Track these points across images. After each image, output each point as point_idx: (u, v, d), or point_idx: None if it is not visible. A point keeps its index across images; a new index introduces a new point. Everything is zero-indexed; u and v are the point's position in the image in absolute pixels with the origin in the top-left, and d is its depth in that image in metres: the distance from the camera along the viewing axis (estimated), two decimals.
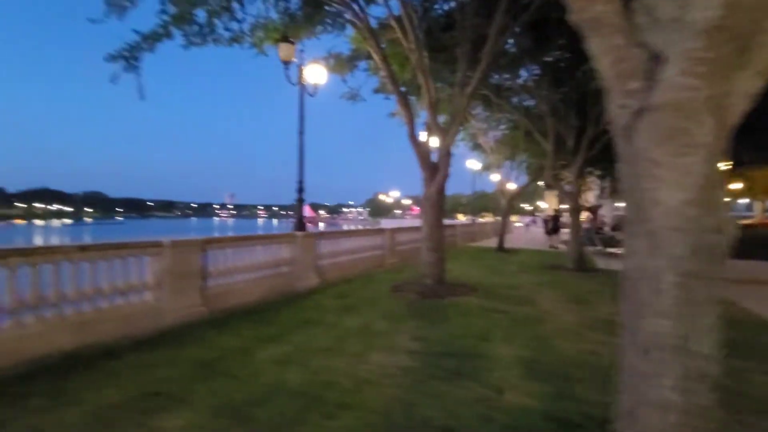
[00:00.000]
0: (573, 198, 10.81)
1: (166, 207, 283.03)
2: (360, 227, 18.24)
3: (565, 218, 18.45)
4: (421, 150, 7.36)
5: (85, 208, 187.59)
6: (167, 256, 5.22)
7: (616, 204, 26.26)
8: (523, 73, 11.25)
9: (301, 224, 8.13)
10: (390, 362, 3.79)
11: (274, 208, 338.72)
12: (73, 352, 4.00)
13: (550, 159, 10.81)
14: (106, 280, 4.65)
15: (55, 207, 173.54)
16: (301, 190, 8.34)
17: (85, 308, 4.46)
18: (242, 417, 2.74)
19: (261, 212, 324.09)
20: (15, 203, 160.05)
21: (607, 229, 21.15)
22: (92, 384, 3.23)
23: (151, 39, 5.69)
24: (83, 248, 4.43)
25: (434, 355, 3.98)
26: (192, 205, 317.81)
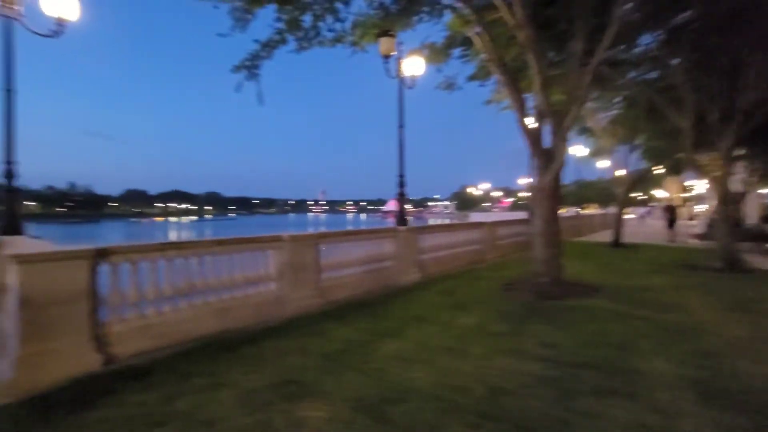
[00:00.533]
0: (720, 184, 8.99)
1: (268, 204, 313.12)
2: (449, 221, 17.80)
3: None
4: (533, 135, 6.73)
5: (206, 207, 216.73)
6: (287, 249, 5.55)
7: (761, 191, 21.52)
8: (644, 42, 9.67)
9: (402, 219, 8.08)
10: (521, 369, 3.46)
11: (362, 203, 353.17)
12: (217, 335, 4.44)
13: (689, 137, 9.10)
14: (240, 271, 5.11)
15: (183, 206, 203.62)
16: (402, 184, 8.29)
17: (224, 296, 4.96)
18: (380, 415, 2.69)
19: (350, 207, 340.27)
20: (155, 203, 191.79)
21: (749, 221, 17.52)
22: (238, 368, 3.51)
23: (269, 46, 6.10)
24: (220, 242, 4.90)
25: (571, 366, 3.53)
26: (290, 201, 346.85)
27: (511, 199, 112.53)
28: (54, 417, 2.70)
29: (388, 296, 6.31)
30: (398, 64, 8.39)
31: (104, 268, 3.85)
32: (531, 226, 6.81)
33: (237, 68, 6.23)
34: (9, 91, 5.43)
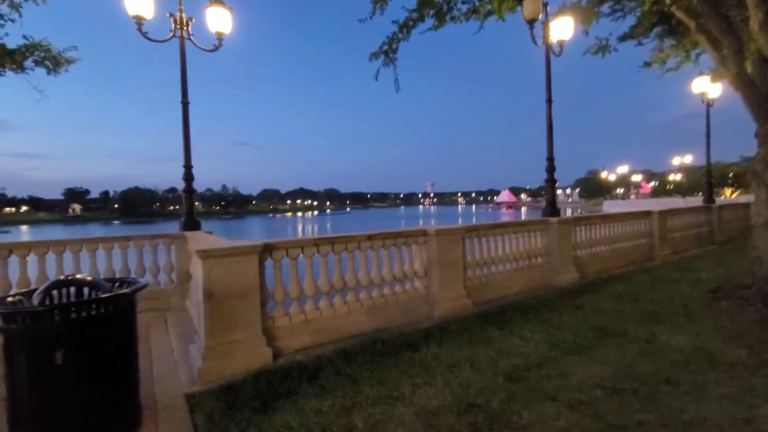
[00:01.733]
0: None
1: (380, 198, 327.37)
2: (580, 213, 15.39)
3: None
4: (757, 92, 4.93)
5: (327, 202, 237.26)
6: (433, 244, 5.08)
7: None
8: None
9: (554, 209, 6.95)
10: None
11: (472, 194, 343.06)
12: (370, 334, 4.20)
13: None
14: (387, 267, 4.82)
15: (307, 202, 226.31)
16: (551, 169, 7.13)
17: (373, 293, 4.72)
18: None
19: (460, 199, 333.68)
20: (286, 200, 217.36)
21: None
22: (407, 379, 3.13)
23: (407, 27, 5.70)
24: (370, 237, 4.65)
25: None
26: (400, 195, 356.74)
27: (652, 184, 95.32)
28: (240, 416, 2.65)
29: (547, 299, 5.38)
30: (544, 29, 7.20)
31: (268, 263, 3.90)
32: (754, 214, 5.05)
33: (375, 54, 6.01)
34: (185, 104, 6.11)
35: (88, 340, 2.28)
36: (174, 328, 4.85)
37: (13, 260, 5.03)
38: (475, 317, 4.71)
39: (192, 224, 6.14)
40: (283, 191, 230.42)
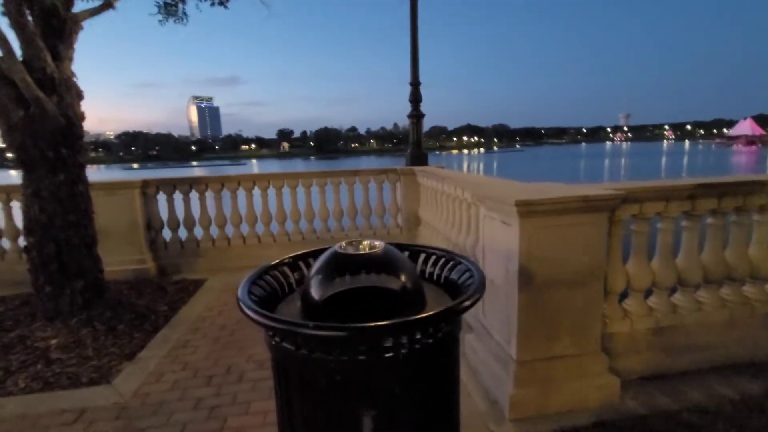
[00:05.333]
0: None
1: (558, 134, 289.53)
2: None
3: None
4: None
5: (495, 139, 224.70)
6: None
7: None
8: None
9: None
10: None
11: (687, 126, 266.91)
12: None
13: None
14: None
15: (473, 139, 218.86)
16: None
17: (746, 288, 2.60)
18: None
19: (668, 133, 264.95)
20: (452, 138, 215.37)
21: None
22: None
23: None
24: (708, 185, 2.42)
25: None
26: (582, 130, 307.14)
27: None
28: None
29: None
30: None
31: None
32: None
33: None
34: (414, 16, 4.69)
35: (423, 369, 1.09)
36: None
37: (241, 193, 4.88)
38: None
39: (420, 157, 5.00)
40: (450, 128, 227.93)
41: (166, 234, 4.83)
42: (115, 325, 3.19)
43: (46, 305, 3.17)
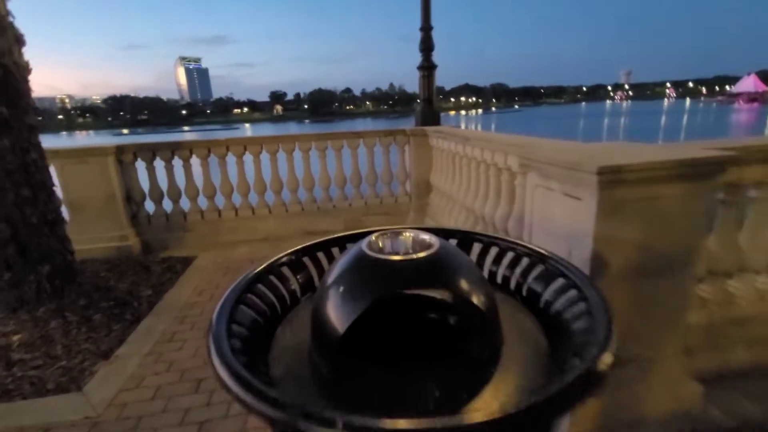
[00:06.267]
0: None
1: (557, 93, 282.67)
2: None
3: None
4: None
5: (493, 99, 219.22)
6: None
7: None
8: None
9: None
10: None
11: (689, 84, 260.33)
12: None
13: None
14: None
15: (472, 99, 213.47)
16: None
17: None
18: None
19: (669, 90, 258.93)
20: (450, 98, 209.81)
21: None
22: None
23: None
24: None
25: None
26: (582, 88, 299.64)
27: None
28: None
29: None
30: None
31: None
32: None
33: None
34: None
35: None
36: None
37: (230, 159, 4.33)
38: None
39: (432, 116, 4.41)
40: (447, 87, 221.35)
41: (150, 207, 4.33)
42: (91, 315, 2.77)
43: (6, 295, 2.72)
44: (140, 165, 4.21)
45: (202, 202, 4.41)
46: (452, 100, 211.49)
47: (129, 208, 4.16)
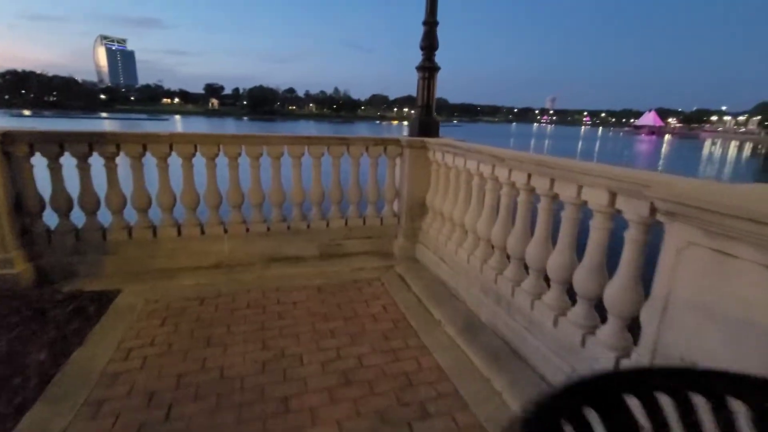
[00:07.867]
0: None
1: (492, 111, 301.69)
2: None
3: None
4: None
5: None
6: None
7: None
8: None
9: None
10: None
11: (602, 114, 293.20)
12: None
13: None
14: None
15: (413, 111, 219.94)
16: None
17: None
18: None
19: (586, 119, 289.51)
20: (394, 108, 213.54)
21: None
22: None
23: None
24: None
25: None
26: (513, 109, 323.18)
27: None
28: None
29: None
30: None
31: None
32: None
33: None
34: None
35: None
36: (439, 308, 2.79)
37: (175, 161, 3.34)
38: None
39: (431, 126, 3.78)
40: (392, 97, 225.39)
41: (51, 219, 3.14)
42: None
43: None
44: (40, 161, 3.03)
45: (131, 215, 3.31)
46: (395, 110, 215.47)
47: (17, 221, 2.95)
